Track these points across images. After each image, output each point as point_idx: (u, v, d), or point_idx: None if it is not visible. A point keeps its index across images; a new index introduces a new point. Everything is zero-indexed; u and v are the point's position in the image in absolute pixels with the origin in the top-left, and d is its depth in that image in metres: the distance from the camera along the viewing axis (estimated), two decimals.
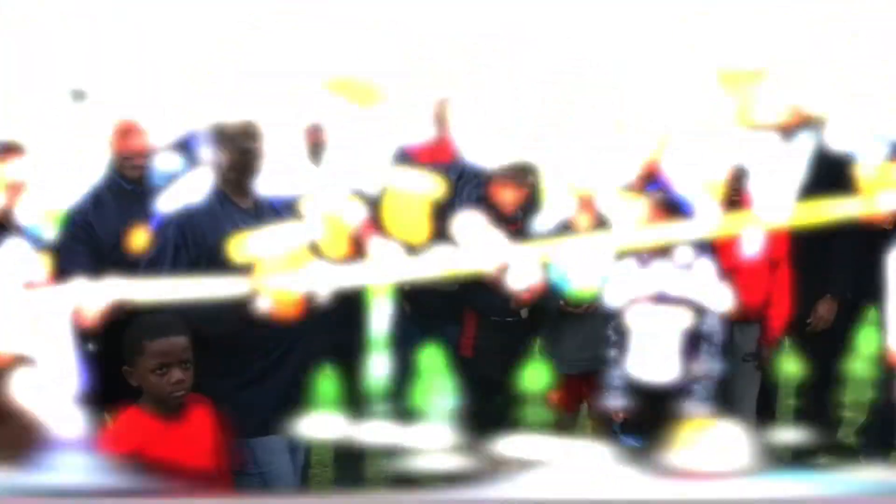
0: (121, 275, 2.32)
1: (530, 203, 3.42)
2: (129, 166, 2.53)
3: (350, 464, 3.50)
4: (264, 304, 2.23)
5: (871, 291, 3.66)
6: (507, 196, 3.15)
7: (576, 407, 3.44)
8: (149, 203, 2.55)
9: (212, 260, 2.30)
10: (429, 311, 3.28)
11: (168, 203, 2.40)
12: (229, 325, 2.26)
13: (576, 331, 3.19)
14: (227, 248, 2.31)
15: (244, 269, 2.28)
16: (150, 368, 2.11)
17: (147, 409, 2.16)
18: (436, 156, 3.36)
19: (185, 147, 3.34)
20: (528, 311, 3.22)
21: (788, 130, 3.49)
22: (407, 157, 3.45)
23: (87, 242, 2.43)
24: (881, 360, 3.84)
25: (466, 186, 3.24)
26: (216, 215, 2.35)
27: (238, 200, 2.43)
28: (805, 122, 3.53)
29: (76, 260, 2.40)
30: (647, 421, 3.14)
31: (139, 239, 2.50)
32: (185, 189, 2.49)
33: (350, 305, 3.17)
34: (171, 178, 2.74)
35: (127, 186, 2.53)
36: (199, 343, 2.29)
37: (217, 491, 2.27)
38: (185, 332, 2.18)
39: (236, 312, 2.22)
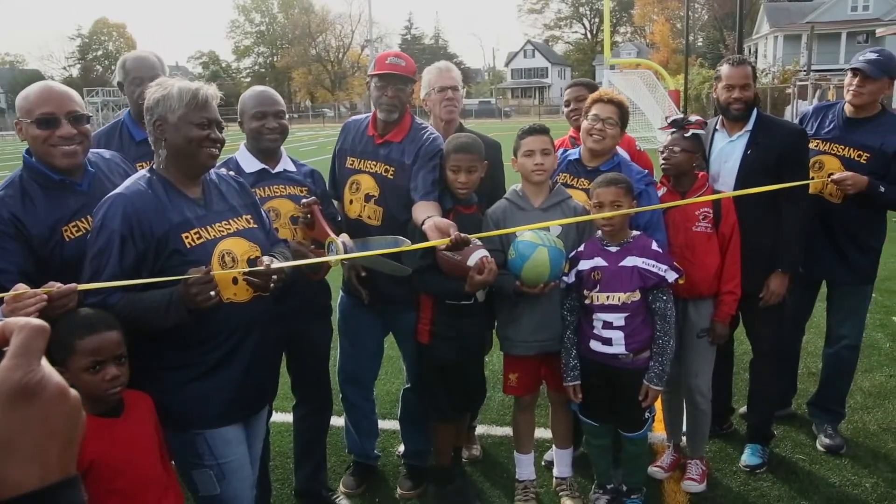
0: (57, 270, 2.26)
1: (488, 184, 3.42)
2: (60, 154, 2.36)
3: (313, 452, 3.46)
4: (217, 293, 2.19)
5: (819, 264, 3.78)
6: (461, 178, 3.13)
7: (534, 388, 3.47)
8: (84, 194, 2.44)
9: (160, 252, 2.26)
10: (386, 297, 3.26)
11: (110, 194, 2.30)
12: (177, 318, 2.20)
13: (532, 312, 3.19)
14: (175, 238, 2.27)
15: (193, 261, 2.25)
16: (83, 367, 2.04)
17: (83, 405, 2.08)
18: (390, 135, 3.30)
19: (122, 133, 3.25)
20: (486, 295, 3.22)
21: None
22: (361, 134, 3.38)
23: (18, 238, 2.30)
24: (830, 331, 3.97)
25: (422, 170, 3.20)
26: (163, 205, 2.28)
27: (185, 190, 2.37)
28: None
29: (8, 258, 2.28)
30: (604, 400, 3.18)
31: (76, 233, 2.40)
32: (127, 179, 2.39)
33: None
34: (106, 167, 2.63)
35: (55, 178, 2.39)
36: (152, 335, 2.26)
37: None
38: (116, 327, 2.13)
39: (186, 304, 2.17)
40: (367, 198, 3.28)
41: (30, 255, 2.32)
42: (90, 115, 2.52)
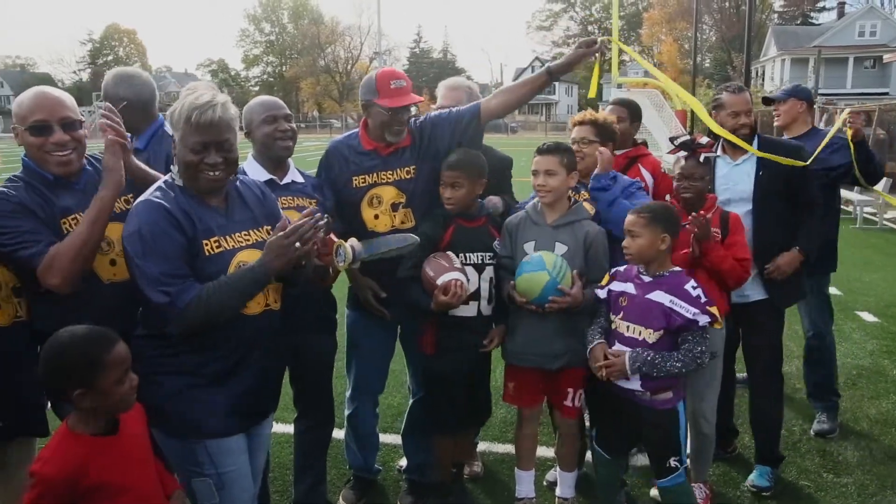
0: None
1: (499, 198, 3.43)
2: (54, 162, 2.40)
3: (313, 466, 3.43)
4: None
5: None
6: (446, 193, 3.14)
7: (533, 402, 3.42)
8: (81, 192, 2.44)
9: (189, 251, 2.24)
10: (403, 312, 3.26)
11: (135, 203, 2.29)
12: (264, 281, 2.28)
13: (525, 326, 3.17)
14: (198, 243, 2.25)
15: (211, 272, 2.25)
16: (115, 380, 2.03)
17: (80, 427, 2.06)
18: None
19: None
20: (492, 310, 3.23)
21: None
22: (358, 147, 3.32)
23: (32, 216, 2.32)
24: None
25: (450, 116, 3.27)
26: (186, 210, 2.25)
27: (206, 198, 2.33)
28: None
29: (33, 227, 2.30)
30: (620, 433, 3.14)
31: (75, 225, 2.40)
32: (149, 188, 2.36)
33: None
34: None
35: (51, 177, 2.41)
36: (157, 338, 2.26)
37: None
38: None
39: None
40: (395, 206, 3.25)
41: (48, 232, 2.33)
42: (83, 119, 2.51)
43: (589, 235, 3.16)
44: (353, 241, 2.70)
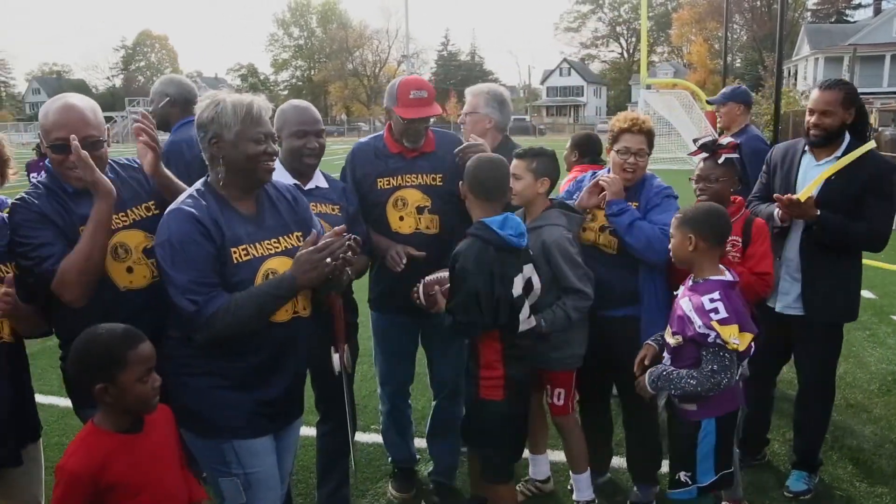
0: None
1: None
2: (74, 178, 2.39)
3: (336, 469, 3.43)
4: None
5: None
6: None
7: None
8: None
9: (218, 259, 2.26)
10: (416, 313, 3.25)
11: (168, 210, 2.31)
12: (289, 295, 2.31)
13: None
14: (226, 252, 2.26)
15: (238, 280, 2.27)
16: (136, 377, 2.05)
17: (106, 425, 2.08)
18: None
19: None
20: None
21: None
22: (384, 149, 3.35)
23: (50, 226, 2.35)
24: None
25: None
26: (217, 218, 2.27)
27: (239, 205, 2.37)
28: None
29: (47, 240, 2.32)
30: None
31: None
32: (181, 194, 2.38)
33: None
34: None
35: (70, 189, 2.42)
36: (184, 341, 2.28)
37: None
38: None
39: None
40: (420, 210, 3.28)
41: (66, 241, 2.35)
42: (105, 139, 2.48)
43: (546, 243, 3.07)
44: (342, 357, 2.74)
